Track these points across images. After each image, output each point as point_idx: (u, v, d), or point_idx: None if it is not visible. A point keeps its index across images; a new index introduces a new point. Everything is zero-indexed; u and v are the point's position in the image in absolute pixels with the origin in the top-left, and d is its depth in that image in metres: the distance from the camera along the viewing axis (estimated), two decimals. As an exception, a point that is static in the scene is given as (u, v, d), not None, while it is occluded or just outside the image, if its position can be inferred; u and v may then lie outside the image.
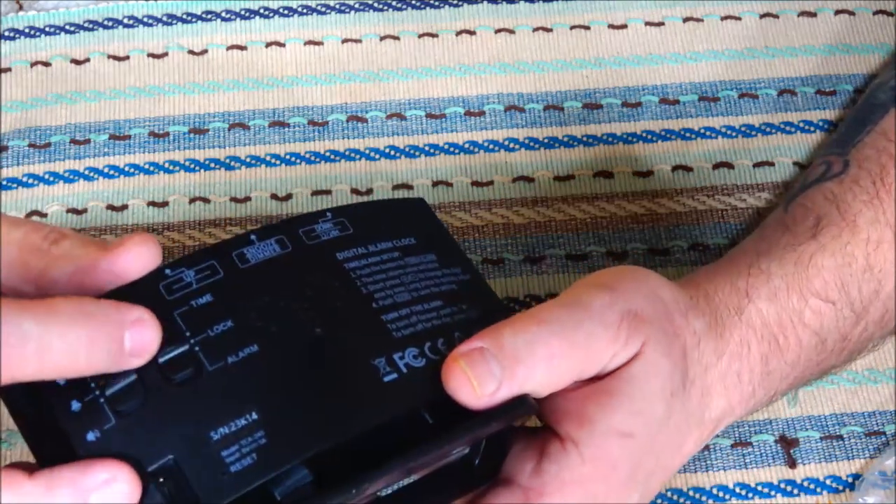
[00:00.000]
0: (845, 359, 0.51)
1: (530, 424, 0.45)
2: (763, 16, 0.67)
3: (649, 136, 0.63)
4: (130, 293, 0.36)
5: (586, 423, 0.42)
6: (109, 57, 0.66)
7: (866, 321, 0.50)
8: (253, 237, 0.39)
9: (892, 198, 0.51)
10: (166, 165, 0.62)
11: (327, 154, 0.63)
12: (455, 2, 0.67)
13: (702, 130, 0.64)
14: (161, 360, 0.36)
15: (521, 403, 0.40)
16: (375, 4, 0.67)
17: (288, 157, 0.63)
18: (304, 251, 0.40)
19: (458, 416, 0.39)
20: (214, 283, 0.38)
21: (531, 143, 0.63)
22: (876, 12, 0.67)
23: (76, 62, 0.65)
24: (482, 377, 0.39)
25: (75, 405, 0.35)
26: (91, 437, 0.35)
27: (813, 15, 0.67)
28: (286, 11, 0.67)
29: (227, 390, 0.36)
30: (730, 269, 0.50)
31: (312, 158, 0.63)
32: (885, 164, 0.52)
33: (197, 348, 0.37)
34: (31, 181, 0.62)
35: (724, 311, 0.48)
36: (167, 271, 0.38)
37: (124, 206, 0.61)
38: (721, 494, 0.53)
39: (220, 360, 0.37)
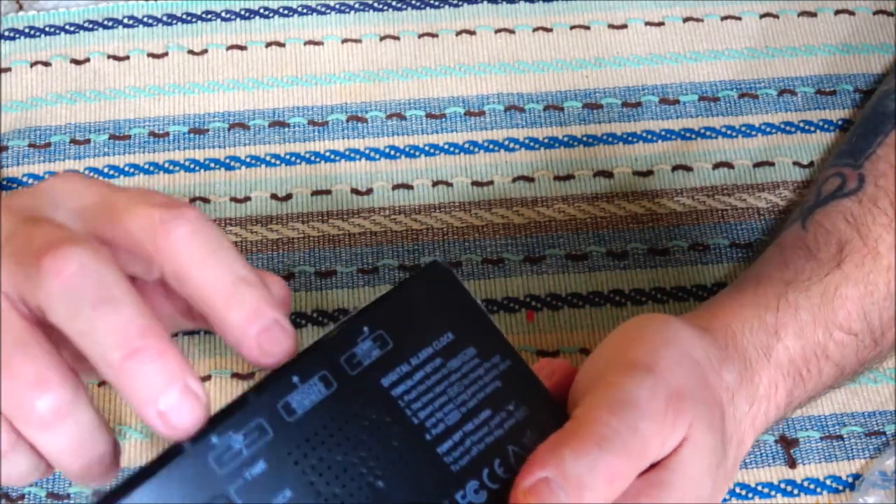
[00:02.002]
0: (854, 378, 0.53)
1: None
2: (763, 16, 0.67)
3: (649, 136, 0.63)
4: (180, 470, 0.35)
5: None
6: (109, 57, 0.66)
7: (882, 346, 0.51)
8: (295, 379, 0.37)
9: None
10: (166, 165, 0.62)
11: (327, 154, 0.63)
12: (455, 2, 0.67)
13: (702, 130, 0.64)
14: None
15: None
16: (375, 4, 0.67)
17: (288, 157, 0.63)
18: (349, 386, 0.38)
19: None
20: (265, 445, 0.36)
21: (531, 143, 0.63)
22: (876, 12, 0.67)
23: (76, 62, 0.65)
24: None
25: None
26: None
27: (813, 15, 0.67)
28: (286, 11, 0.67)
29: None
30: (757, 300, 0.49)
31: (312, 158, 0.63)
32: None
33: None
34: (31, 181, 0.62)
35: (753, 354, 0.48)
36: (214, 439, 0.35)
37: (124, 206, 0.61)
38: (721, 494, 0.53)
39: None
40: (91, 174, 0.62)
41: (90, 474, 0.39)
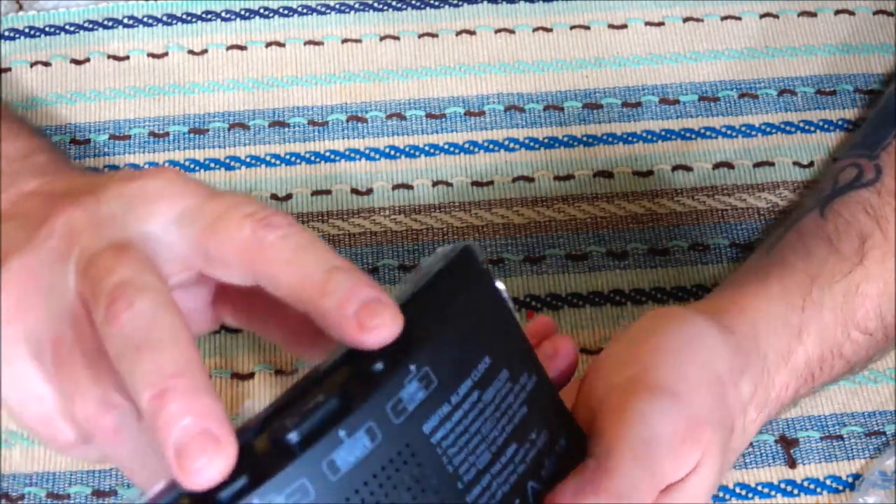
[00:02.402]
0: (860, 372, 0.53)
1: None
2: (763, 16, 0.67)
3: (649, 136, 0.63)
4: None
5: None
6: (109, 57, 0.66)
7: (890, 341, 0.51)
8: (342, 434, 0.35)
9: None
10: (166, 166, 0.62)
11: (327, 154, 0.63)
12: (455, 2, 0.67)
13: (702, 130, 0.64)
14: None
15: None
16: (375, 4, 0.67)
17: (288, 157, 0.63)
18: (393, 437, 0.36)
19: None
20: None
21: (531, 143, 0.63)
22: (876, 12, 0.67)
23: (76, 62, 0.65)
24: None
25: None
26: None
27: (813, 15, 0.67)
28: (286, 11, 0.67)
29: None
30: (783, 295, 0.49)
31: (312, 158, 0.63)
32: None
33: None
34: (31, 181, 0.62)
35: (773, 359, 0.48)
36: (255, 500, 0.33)
37: (124, 206, 0.61)
38: (721, 494, 0.53)
39: None
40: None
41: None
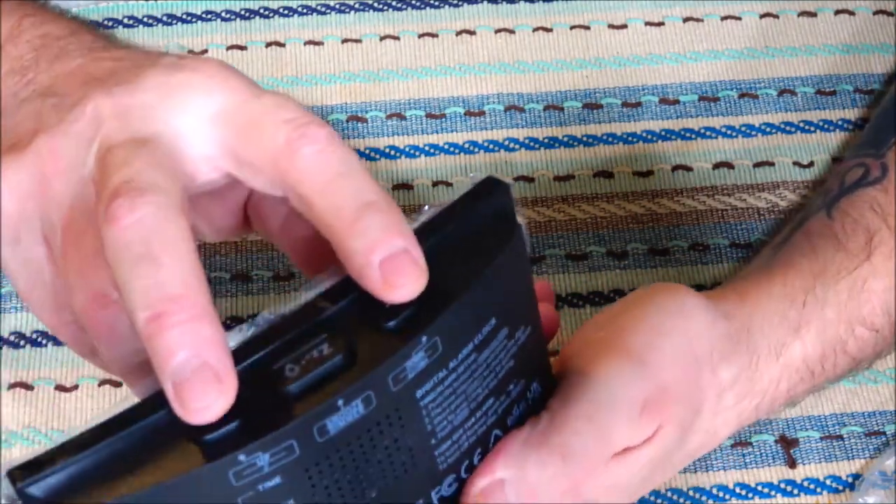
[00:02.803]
0: (867, 368, 0.53)
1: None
2: (763, 16, 0.67)
3: (649, 136, 0.63)
4: (197, 479, 0.33)
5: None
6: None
7: None
8: (340, 402, 0.34)
9: None
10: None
11: (327, 154, 0.63)
12: (455, 2, 0.67)
13: (702, 130, 0.64)
14: None
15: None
16: (375, 4, 0.67)
17: (288, 157, 0.63)
18: (386, 404, 0.35)
19: None
20: (287, 464, 0.34)
21: (531, 143, 0.63)
22: (876, 12, 0.67)
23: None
24: None
25: None
26: None
27: (813, 15, 0.67)
28: (286, 11, 0.67)
29: None
30: (785, 291, 0.49)
31: (312, 158, 0.63)
32: None
33: None
34: (31, 181, 0.62)
35: (764, 351, 0.48)
36: (241, 457, 0.33)
37: (124, 206, 0.61)
38: (721, 494, 0.53)
39: None
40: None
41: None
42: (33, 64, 0.41)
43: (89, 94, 0.37)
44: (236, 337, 0.35)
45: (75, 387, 0.56)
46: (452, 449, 0.38)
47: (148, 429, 0.33)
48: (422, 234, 0.36)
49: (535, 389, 0.42)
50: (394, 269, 0.34)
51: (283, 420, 0.33)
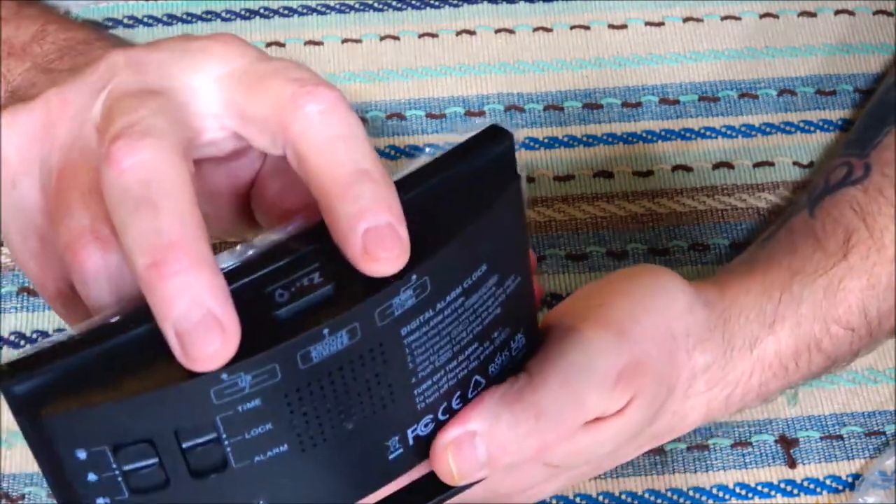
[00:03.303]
0: (845, 367, 0.53)
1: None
2: (763, 16, 0.67)
3: (649, 136, 0.63)
4: (179, 393, 0.33)
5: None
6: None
7: (878, 336, 0.51)
8: (326, 331, 0.35)
9: None
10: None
11: (327, 154, 0.63)
12: (455, 2, 0.67)
13: (702, 130, 0.64)
14: (185, 444, 0.34)
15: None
16: (375, 4, 0.67)
17: (288, 157, 0.63)
18: (371, 337, 0.36)
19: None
20: (268, 387, 0.34)
21: (531, 143, 0.63)
22: (876, 12, 0.67)
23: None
24: (464, 467, 0.40)
25: (91, 476, 0.34)
26: (101, 501, 0.34)
27: (813, 15, 0.67)
28: (286, 11, 0.67)
29: (245, 487, 0.36)
30: (763, 286, 0.50)
31: (312, 158, 0.63)
32: None
33: (228, 448, 0.35)
34: (31, 181, 0.62)
35: (739, 343, 0.48)
36: (223, 376, 0.33)
37: (124, 206, 0.61)
38: (721, 494, 0.53)
39: (247, 458, 0.35)
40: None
41: None
42: (57, 59, 0.41)
43: (107, 52, 0.37)
44: (230, 259, 0.35)
45: (75, 387, 0.56)
46: (432, 390, 0.39)
47: (133, 341, 0.33)
48: (419, 177, 0.36)
49: (519, 341, 0.42)
50: (377, 240, 0.34)
51: (268, 343, 0.34)
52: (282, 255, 0.35)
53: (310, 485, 0.37)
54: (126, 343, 0.33)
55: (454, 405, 0.40)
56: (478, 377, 0.41)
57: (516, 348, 0.42)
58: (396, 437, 0.39)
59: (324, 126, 0.35)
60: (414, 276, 0.36)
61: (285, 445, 0.36)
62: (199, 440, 0.34)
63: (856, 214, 0.52)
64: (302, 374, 0.35)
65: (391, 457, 0.39)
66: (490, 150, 0.38)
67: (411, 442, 0.39)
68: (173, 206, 0.33)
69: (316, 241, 0.36)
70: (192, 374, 0.33)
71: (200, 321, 0.32)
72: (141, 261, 0.32)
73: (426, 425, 0.39)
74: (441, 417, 0.40)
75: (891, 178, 0.52)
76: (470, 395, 0.40)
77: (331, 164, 0.34)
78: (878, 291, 0.50)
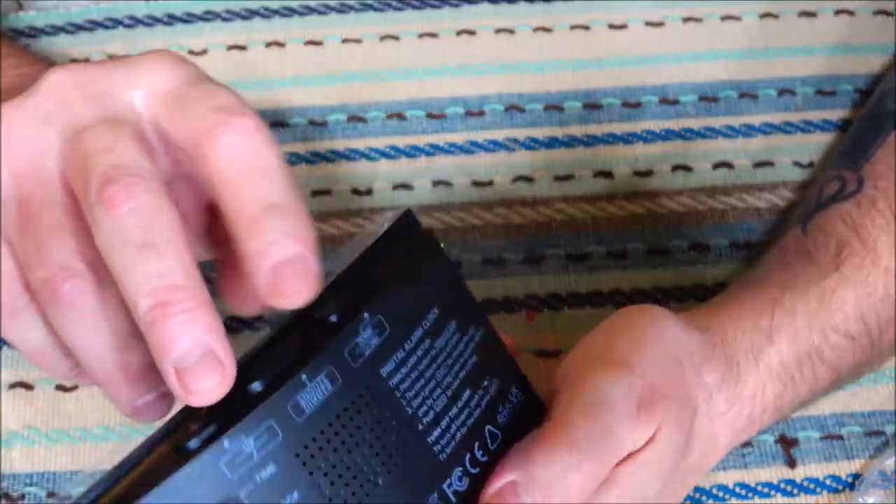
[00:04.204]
0: (853, 379, 0.53)
1: None
2: (763, 16, 0.67)
3: (649, 136, 0.63)
4: (192, 474, 0.34)
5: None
6: (109, 57, 0.65)
7: (881, 346, 0.51)
8: (304, 378, 0.36)
9: None
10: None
11: (327, 154, 0.63)
12: (455, 2, 0.67)
13: (702, 130, 0.64)
14: None
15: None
16: (375, 4, 0.67)
17: (289, 157, 0.63)
18: (352, 379, 0.37)
19: None
20: (275, 447, 0.35)
21: (531, 143, 0.63)
22: (876, 12, 0.67)
23: (76, 62, 0.65)
24: None
25: None
26: None
27: (813, 15, 0.67)
28: (286, 11, 0.67)
29: None
30: (754, 304, 0.50)
31: (312, 158, 0.63)
32: None
33: None
34: (31, 181, 0.62)
35: (743, 358, 0.48)
36: (226, 443, 0.34)
37: (124, 206, 0.61)
38: (721, 494, 0.53)
39: None
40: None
41: (119, 393, 0.38)
42: (9, 95, 0.41)
43: (46, 73, 0.38)
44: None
45: (75, 387, 0.56)
46: (446, 438, 0.40)
47: (131, 460, 0.35)
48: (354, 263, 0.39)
49: (516, 394, 0.43)
50: (284, 275, 0.34)
51: (256, 405, 0.35)
52: (243, 360, 0.37)
53: None
54: (126, 465, 0.35)
55: (479, 457, 0.41)
56: (490, 427, 0.41)
57: (516, 401, 0.43)
58: (435, 495, 0.39)
59: (237, 158, 0.35)
60: (367, 315, 0.38)
61: None
62: None
63: (848, 227, 0.52)
64: (301, 427, 0.36)
65: None
66: (396, 222, 0.41)
67: (453, 499, 0.39)
68: (173, 249, 0.34)
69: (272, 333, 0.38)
70: (195, 454, 0.34)
71: (202, 358, 0.33)
72: (145, 302, 0.33)
73: (460, 479, 0.40)
74: (472, 471, 0.40)
75: (884, 190, 0.52)
76: (491, 447, 0.41)
77: (240, 199, 0.35)
78: (875, 300, 0.50)
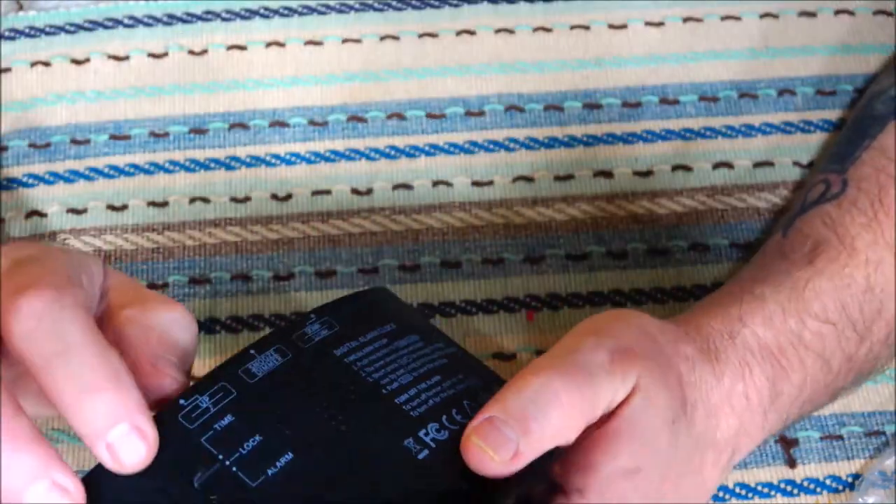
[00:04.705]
0: (853, 380, 0.51)
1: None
2: (763, 16, 0.67)
3: (649, 136, 0.63)
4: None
5: (591, 470, 0.42)
6: (109, 57, 0.66)
7: (871, 341, 0.50)
8: (252, 352, 0.40)
9: (890, 219, 0.51)
10: (166, 165, 0.62)
11: (327, 154, 0.63)
12: (455, 2, 0.67)
13: (702, 130, 0.64)
14: (197, 482, 0.37)
15: (548, 454, 0.41)
16: (375, 4, 0.67)
17: (288, 157, 0.63)
18: (303, 355, 0.40)
19: (493, 481, 0.40)
20: (230, 402, 0.38)
21: (531, 143, 0.63)
22: (876, 12, 0.67)
23: (76, 62, 0.65)
24: (498, 446, 0.39)
25: None
26: None
27: (813, 15, 0.67)
28: (286, 11, 0.67)
29: (276, 501, 0.37)
30: (723, 298, 0.50)
31: (312, 158, 0.63)
32: (884, 185, 0.52)
33: (234, 468, 0.37)
34: (31, 181, 0.62)
35: (717, 337, 0.48)
36: (182, 401, 0.38)
37: (124, 206, 0.61)
38: (721, 494, 0.53)
39: (261, 474, 0.37)
40: (92, 174, 0.62)
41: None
42: None
43: None
44: None
45: (75, 387, 0.56)
46: (416, 401, 0.41)
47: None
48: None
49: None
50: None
51: (208, 375, 0.39)
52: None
53: (353, 494, 0.38)
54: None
55: (456, 417, 0.41)
56: (467, 401, 0.42)
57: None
58: (411, 440, 0.40)
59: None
60: (313, 315, 0.42)
61: (289, 453, 0.37)
62: (206, 472, 0.37)
63: (826, 227, 0.52)
64: (255, 386, 0.39)
65: (420, 456, 0.39)
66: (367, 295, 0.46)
67: (432, 444, 0.40)
68: (88, 345, 0.36)
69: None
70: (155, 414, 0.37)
71: (127, 435, 0.36)
72: (70, 394, 0.36)
73: (437, 431, 0.40)
74: (451, 427, 0.41)
75: (867, 191, 0.52)
76: (470, 413, 0.41)
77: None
78: (855, 291, 0.50)
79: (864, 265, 0.50)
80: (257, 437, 0.37)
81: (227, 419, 0.38)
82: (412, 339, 0.43)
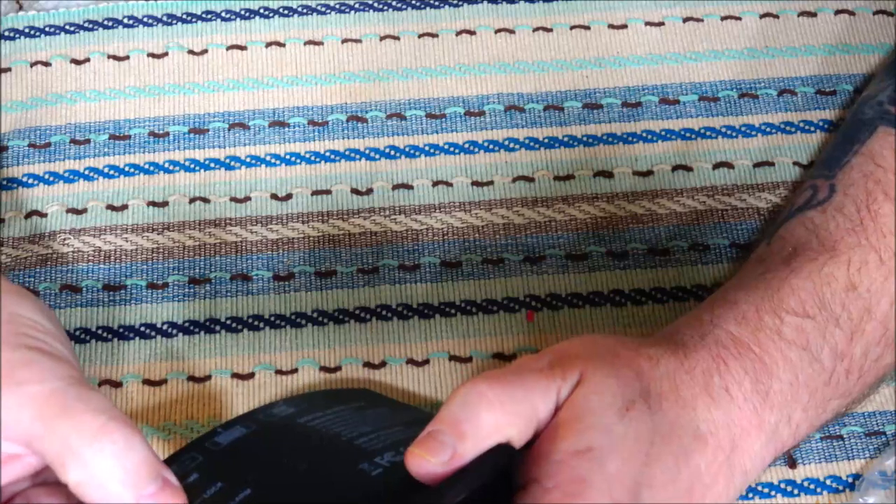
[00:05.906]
0: (862, 385, 0.50)
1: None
2: (763, 16, 0.67)
3: (649, 136, 0.63)
4: None
5: (542, 458, 0.43)
6: (109, 57, 0.66)
7: (865, 341, 0.49)
8: (219, 430, 0.44)
9: (877, 224, 0.51)
10: (166, 165, 0.62)
11: (327, 154, 0.63)
12: (455, 2, 0.67)
13: (702, 130, 0.64)
14: None
15: (498, 452, 0.42)
16: (375, 4, 0.67)
17: (288, 157, 0.63)
18: (268, 425, 0.44)
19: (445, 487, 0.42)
20: (197, 465, 0.42)
21: (531, 143, 0.63)
22: (876, 12, 0.67)
23: (76, 62, 0.65)
24: (435, 451, 0.42)
25: None
26: None
27: (813, 15, 0.67)
28: (286, 11, 0.67)
29: None
30: (698, 308, 0.50)
31: (312, 158, 0.63)
32: (871, 191, 0.52)
33: None
34: (31, 181, 0.62)
35: (688, 339, 0.48)
36: None
37: (124, 206, 0.61)
38: (721, 494, 0.53)
39: None
40: (92, 174, 0.62)
41: None
42: None
43: None
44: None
45: (75, 387, 0.56)
46: (373, 441, 0.43)
47: None
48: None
49: None
50: None
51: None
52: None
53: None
54: None
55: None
56: None
57: None
58: (366, 463, 0.42)
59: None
60: (283, 403, 0.47)
61: (247, 489, 0.40)
62: None
63: (808, 231, 0.51)
64: (220, 453, 0.43)
65: (373, 473, 0.42)
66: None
67: (387, 464, 0.42)
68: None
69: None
70: None
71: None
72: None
73: (393, 456, 0.43)
74: (404, 451, 0.42)
75: (854, 196, 0.52)
76: None
77: None
78: (836, 288, 0.49)
79: (845, 265, 0.50)
80: (219, 484, 0.40)
81: (192, 477, 0.41)
82: (381, 410, 0.46)
